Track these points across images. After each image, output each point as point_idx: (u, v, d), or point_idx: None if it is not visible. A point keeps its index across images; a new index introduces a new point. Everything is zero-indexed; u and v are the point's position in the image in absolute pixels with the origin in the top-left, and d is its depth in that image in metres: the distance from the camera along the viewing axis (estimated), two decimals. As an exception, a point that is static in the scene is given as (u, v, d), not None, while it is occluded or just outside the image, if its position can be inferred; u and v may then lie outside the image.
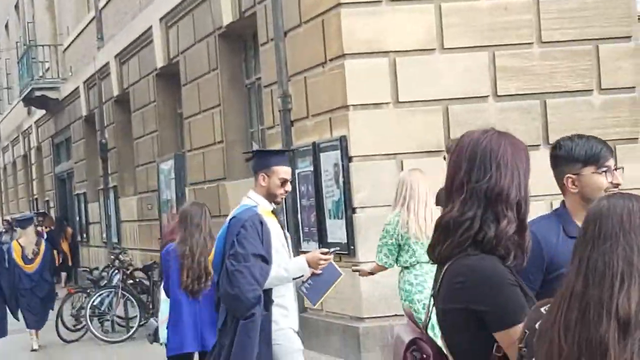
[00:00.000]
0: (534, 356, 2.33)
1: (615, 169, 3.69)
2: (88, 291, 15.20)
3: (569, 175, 3.63)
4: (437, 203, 7.66)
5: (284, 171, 6.01)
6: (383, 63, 10.33)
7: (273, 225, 5.92)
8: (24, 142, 34.40)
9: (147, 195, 18.76)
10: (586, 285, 2.26)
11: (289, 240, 6.23)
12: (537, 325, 2.36)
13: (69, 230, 26.35)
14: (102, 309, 14.72)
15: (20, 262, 14.76)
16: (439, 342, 2.80)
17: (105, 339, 14.32)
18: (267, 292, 5.78)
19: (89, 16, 22.72)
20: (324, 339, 10.92)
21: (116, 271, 15.27)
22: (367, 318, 10.27)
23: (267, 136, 12.89)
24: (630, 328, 2.18)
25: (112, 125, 21.57)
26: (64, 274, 24.87)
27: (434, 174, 8.32)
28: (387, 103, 10.35)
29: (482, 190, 2.74)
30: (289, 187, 6.08)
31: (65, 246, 25.38)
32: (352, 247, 10.16)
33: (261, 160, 6.12)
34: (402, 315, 7.99)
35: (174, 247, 7.66)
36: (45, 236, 18.20)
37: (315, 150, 10.93)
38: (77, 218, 26.26)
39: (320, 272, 6.07)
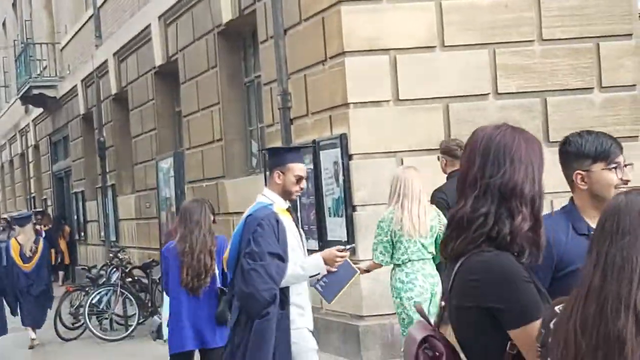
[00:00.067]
0: (549, 353, 2.30)
1: (625, 165, 3.65)
2: (87, 289, 15.16)
3: (578, 171, 3.59)
4: (432, 202, 7.77)
5: (299, 168, 5.96)
6: (383, 61, 10.31)
7: (288, 223, 5.87)
8: (22, 141, 34.34)
9: (145, 193, 18.73)
10: (604, 280, 2.24)
11: (304, 238, 6.18)
12: (551, 325, 2.33)
13: (67, 228, 26.32)
14: (101, 307, 14.68)
15: (18, 260, 14.72)
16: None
17: (104, 337, 14.27)
18: (284, 291, 5.73)
19: (87, 14, 22.67)
20: (323, 337, 10.89)
21: (115, 269, 15.22)
22: (367, 316, 10.25)
23: (266, 134, 12.86)
24: None
25: (110, 123, 21.52)
26: (61, 273, 24.85)
27: (434, 173, 8.38)
28: (387, 101, 10.33)
29: (496, 186, 2.71)
30: (304, 184, 6.02)
31: (62, 245, 25.36)
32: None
33: (276, 157, 6.08)
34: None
35: (174, 245, 7.63)
36: (44, 235, 18.15)
37: (315, 148, 10.90)
38: (75, 216, 26.22)
39: (335, 269, 5.99)
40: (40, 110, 29.19)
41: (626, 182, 3.61)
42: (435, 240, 7.54)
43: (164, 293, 8.42)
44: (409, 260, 7.44)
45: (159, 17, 16.84)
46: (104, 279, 15.32)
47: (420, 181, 7.55)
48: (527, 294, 2.62)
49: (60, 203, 28.76)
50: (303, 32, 11.29)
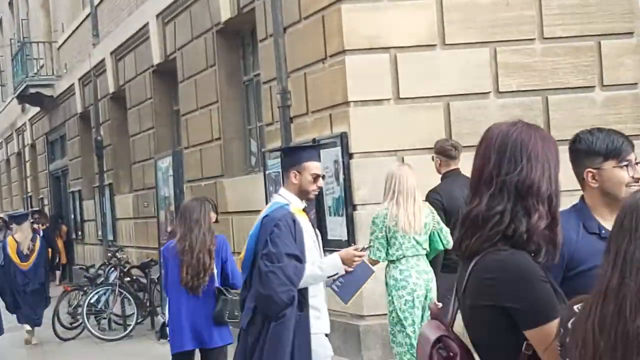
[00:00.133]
0: (568, 352, 2.26)
1: (637, 163, 3.61)
2: (85, 289, 15.11)
3: (589, 169, 3.54)
4: (427, 200, 7.81)
5: (315, 167, 5.89)
6: (384, 59, 10.27)
7: (305, 224, 5.80)
8: (18, 140, 34.27)
9: (143, 192, 18.68)
10: (622, 279, 2.20)
11: (320, 239, 6.13)
12: (570, 324, 2.29)
13: (64, 228, 26.26)
14: (99, 306, 14.63)
15: (15, 258, 14.69)
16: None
17: (102, 336, 14.24)
18: (302, 292, 5.66)
19: (84, 13, 22.62)
20: (324, 337, 10.85)
21: (113, 269, 15.17)
22: (368, 316, 10.22)
23: (265, 133, 12.82)
24: None
25: (107, 122, 21.47)
26: (58, 272, 24.79)
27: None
28: (387, 99, 10.29)
29: (512, 183, 2.67)
30: (321, 182, 5.95)
31: (59, 244, 25.30)
32: (353, 245, 10.08)
33: (291, 157, 6.00)
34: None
35: (174, 244, 7.60)
36: (42, 234, 18.10)
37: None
38: (72, 216, 26.15)
39: (351, 269, 5.93)
40: (37, 109, 29.12)
41: (637, 180, 3.57)
42: (430, 237, 7.55)
43: (165, 292, 8.39)
44: (404, 257, 7.47)
45: (157, 16, 16.79)
46: (102, 279, 15.27)
47: (415, 178, 7.58)
48: (543, 294, 2.58)
49: (57, 202, 28.71)
50: (303, 30, 11.25)
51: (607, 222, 3.50)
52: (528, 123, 2.77)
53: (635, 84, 10.54)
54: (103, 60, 20.84)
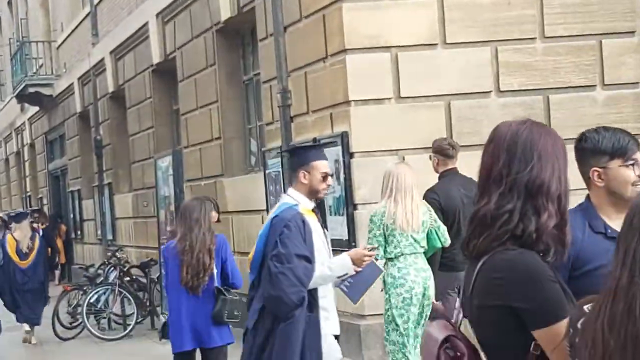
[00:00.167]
0: (577, 352, 2.24)
1: (643, 162, 3.58)
2: (84, 288, 15.09)
3: (595, 168, 3.52)
4: (424, 199, 7.82)
5: (323, 165, 5.86)
6: (385, 58, 10.25)
7: (314, 224, 5.77)
8: (17, 139, 34.25)
9: (142, 192, 18.66)
10: (632, 278, 2.18)
11: (329, 239, 6.10)
12: (579, 324, 2.26)
13: (63, 227, 26.24)
14: (99, 306, 14.60)
15: (14, 256, 14.68)
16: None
17: (102, 336, 14.22)
18: (312, 293, 5.62)
19: (84, 12, 22.59)
20: (324, 337, 10.83)
21: (112, 268, 15.15)
22: (369, 315, 10.20)
23: (266, 132, 12.80)
24: None
25: (107, 121, 21.45)
26: (57, 272, 24.77)
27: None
28: (388, 98, 10.27)
29: (522, 182, 2.64)
30: (330, 180, 5.93)
31: (59, 243, 25.27)
32: (354, 244, 10.07)
33: (299, 157, 5.95)
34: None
35: (174, 244, 7.58)
36: (41, 233, 18.08)
37: (316, 146, 10.83)
38: (71, 215, 26.14)
39: (360, 269, 5.89)
40: (36, 108, 29.10)
41: (644, 178, 3.54)
42: (427, 235, 7.55)
43: (165, 292, 8.37)
44: (402, 254, 7.47)
45: (157, 15, 16.77)
46: (102, 278, 15.24)
47: (413, 177, 7.58)
48: (552, 294, 2.56)
49: (56, 202, 28.69)
50: (303, 29, 11.22)
51: (613, 222, 3.48)
52: (536, 121, 2.75)
53: (637, 83, 10.51)
54: (102, 59, 20.82)
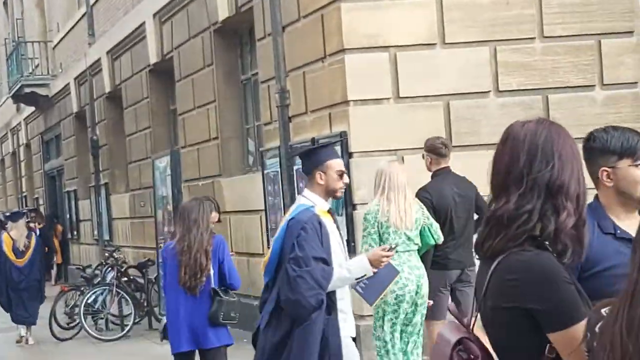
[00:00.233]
0: (595, 356, 2.21)
1: (651, 162, 3.56)
2: (82, 289, 15.05)
3: (604, 168, 3.49)
4: (416, 198, 7.87)
5: (338, 164, 5.83)
6: (384, 58, 10.23)
7: (330, 226, 5.73)
8: (13, 139, 34.19)
9: (139, 192, 18.63)
10: None
11: (344, 240, 6.07)
12: (597, 328, 2.24)
13: (59, 227, 26.20)
14: (96, 307, 14.57)
15: (10, 255, 14.66)
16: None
17: (100, 337, 14.18)
18: (330, 295, 5.58)
19: (80, 12, 22.55)
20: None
21: (110, 269, 15.12)
22: (368, 316, 10.16)
23: (264, 132, 12.78)
24: None
25: (103, 122, 21.41)
26: (53, 272, 24.73)
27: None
28: (387, 98, 10.26)
29: (543, 182, 2.62)
30: (346, 179, 5.90)
31: (55, 243, 25.24)
32: (353, 244, 10.05)
33: (313, 158, 5.88)
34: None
35: (173, 245, 7.57)
36: (38, 232, 18.05)
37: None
38: (67, 215, 26.10)
39: (376, 270, 5.87)
40: (32, 108, 29.05)
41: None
42: (421, 232, 7.57)
43: (164, 292, 8.35)
44: (396, 252, 7.46)
45: (154, 15, 16.74)
46: (99, 279, 15.21)
47: (405, 175, 7.63)
48: (568, 295, 2.53)
49: (52, 202, 28.64)
50: (302, 29, 11.20)
51: (622, 222, 3.46)
52: (552, 121, 2.73)
53: (636, 83, 10.51)
54: (99, 59, 20.78)
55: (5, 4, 33.41)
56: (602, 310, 2.27)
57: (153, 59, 17.09)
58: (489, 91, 10.35)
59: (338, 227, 5.93)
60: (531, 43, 10.37)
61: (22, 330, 14.61)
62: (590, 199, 3.63)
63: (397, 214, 7.45)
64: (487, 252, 2.65)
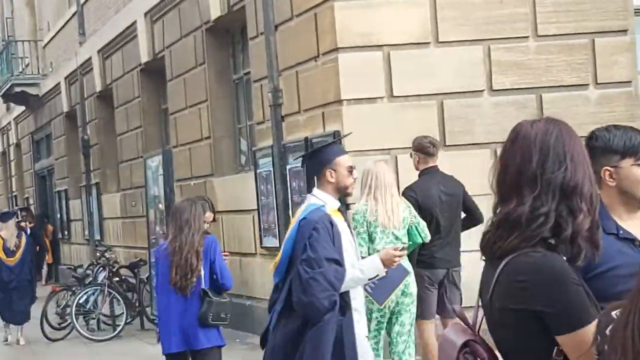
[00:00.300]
0: (607, 359, 2.17)
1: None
2: (73, 289, 14.98)
3: (606, 167, 3.45)
4: (402, 196, 7.91)
5: (346, 160, 5.77)
6: (377, 57, 10.20)
7: (341, 225, 5.65)
8: (3, 139, 34.09)
9: (131, 192, 18.57)
10: None
11: (355, 239, 6.02)
12: (608, 331, 2.20)
13: (50, 227, 26.12)
14: (88, 307, 14.51)
15: (1, 254, 14.59)
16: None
17: (91, 337, 14.11)
18: (343, 296, 5.51)
19: (70, 11, 22.47)
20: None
21: (101, 269, 15.05)
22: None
23: (256, 131, 12.74)
24: None
25: (94, 121, 21.34)
26: (44, 271, 24.65)
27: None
28: (381, 97, 10.23)
29: (557, 184, 2.58)
30: (356, 174, 5.83)
31: (46, 243, 25.16)
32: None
33: (321, 157, 5.80)
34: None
35: (165, 245, 7.54)
36: (29, 232, 17.98)
37: (308, 145, 10.77)
38: (58, 215, 26.01)
39: (387, 270, 5.83)
40: (22, 108, 28.96)
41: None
42: (408, 231, 7.57)
43: (155, 293, 8.31)
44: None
45: (145, 14, 16.68)
46: (91, 279, 15.15)
47: (392, 175, 7.68)
48: (577, 298, 2.49)
49: (42, 202, 28.56)
50: (295, 28, 11.16)
51: (624, 222, 3.42)
52: (560, 120, 2.69)
53: (629, 81, 10.49)
54: (90, 58, 20.71)
55: (-5, 3, 33.31)
56: (613, 313, 2.23)
57: (144, 58, 17.04)
58: (482, 90, 10.32)
59: (349, 225, 5.87)
60: (525, 42, 10.35)
61: (13, 330, 14.52)
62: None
63: (385, 213, 7.47)
64: (496, 253, 2.60)
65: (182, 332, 7.37)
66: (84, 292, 14.45)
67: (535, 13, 10.35)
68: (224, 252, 8.24)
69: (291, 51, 11.16)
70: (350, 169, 5.74)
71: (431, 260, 8.13)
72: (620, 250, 3.32)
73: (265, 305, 12.31)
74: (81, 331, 14.03)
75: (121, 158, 19.48)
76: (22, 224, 17.68)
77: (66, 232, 25.12)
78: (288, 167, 11.24)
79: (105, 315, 14.71)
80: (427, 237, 7.76)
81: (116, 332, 14.13)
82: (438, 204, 8.17)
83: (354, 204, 9.98)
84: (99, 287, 14.58)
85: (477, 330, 2.64)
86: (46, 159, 27.79)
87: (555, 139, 2.62)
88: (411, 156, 8.41)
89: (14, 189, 32.98)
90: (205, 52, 14.26)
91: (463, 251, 8.39)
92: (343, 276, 5.46)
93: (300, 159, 6.09)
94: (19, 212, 18.12)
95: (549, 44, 10.36)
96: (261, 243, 12.45)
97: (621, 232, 3.38)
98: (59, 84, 24.08)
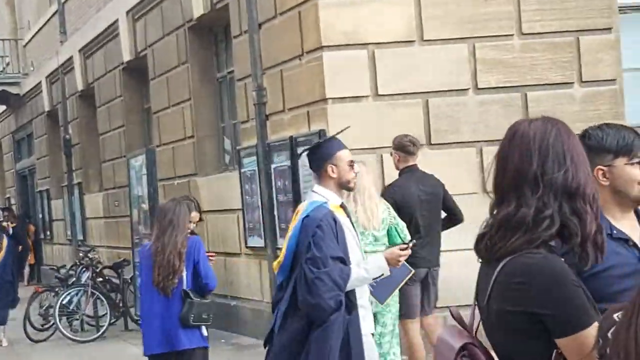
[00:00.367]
0: (609, 363, 2.14)
1: (648, 160, 3.49)
2: (56, 290, 14.89)
3: (599, 167, 3.41)
4: (382, 196, 7.96)
5: (347, 154, 5.69)
6: (362, 55, 10.16)
7: (344, 221, 5.58)
8: (-17, 139, 33.88)
9: (113, 191, 18.47)
10: None
11: (359, 235, 5.96)
12: (610, 334, 2.16)
13: (32, 227, 25.97)
14: (71, 307, 14.43)
15: (-18, 254, 14.48)
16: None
17: (75, 338, 14.03)
18: (349, 295, 5.44)
19: (51, 10, 22.35)
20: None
21: (85, 269, 14.96)
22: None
23: (241, 130, 12.68)
24: None
25: (76, 120, 21.22)
26: (26, 272, 24.51)
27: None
28: (366, 96, 10.18)
29: (558, 184, 2.53)
30: (357, 168, 5.76)
31: (28, 243, 25.01)
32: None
33: (322, 152, 5.71)
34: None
35: (149, 246, 7.49)
36: (11, 232, 17.85)
37: (292, 144, 10.73)
38: (40, 215, 25.87)
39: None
40: (3, 107, 28.82)
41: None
42: (387, 232, 7.56)
43: (139, 293, 8.27)
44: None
45: (127, 12, 16.58)
46: (74, 279, 15.05)
47: (371, 176, 7.68)
48: (577, 301, 2.45)
49: (24, 202, 28.42)
50: (279, 26, 11.11)
51: (618, 222, 3.39)
52: (557, 119, 2.65)
53: (614, 80, 10.49)
54: (71, 57, 20.60)
55: (-25, 1, 33.11)
56: (614, 316, 2.19)
57: (126, 56, 16.94)
58: (467, 89, 10.29)
59: (352, 221, 5.78)
60: (510, 40, 10.33)
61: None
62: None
63: (364, 214, 7.46)
64: (496, 254, 2.54)
65: (164, 333, 7.32)
66: (67, 292, 14.36)
67: (520, 11, 10.33)
68: (210, 252, 8.20)
69: (275, 49, 11.11)
70: (351, 163, 5.67)
71: (412, 259, 8.10)
72: (615, 251, 3.28)
73: (250, 305, 12.30)
74: (65, 332, 13.96)
75: (104, 158, 19.37)
76: (4, 224, 17.54)
77: (48, 233, 24.98)
78: (273, 166, 11.20)
79: (88, 316, 14.63)
80: (407, 237, 7.74)
81: (100, 332, 14.05)
82: (418, 203, 8.16)
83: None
84: (82, 288, 14.50)
85: (474, 332, 2.60)
86: (27, 159, 27.65)
87: (554, 139, 2.58)
88: (391, 155, 8.40)
89: (-5, 189, 32.81)
90: (188, 51, 14.18)
91: (442, 250, 8.39)
92: (348, 275, 5.38)
93: (305, 155, 5.97)
94: (0, 212, 17.96)
95: (534, 42, 10.34)
96: (246, 243, 12.39)
97: (615, 232, 3.35)
98: (40, 83, 23.94)
